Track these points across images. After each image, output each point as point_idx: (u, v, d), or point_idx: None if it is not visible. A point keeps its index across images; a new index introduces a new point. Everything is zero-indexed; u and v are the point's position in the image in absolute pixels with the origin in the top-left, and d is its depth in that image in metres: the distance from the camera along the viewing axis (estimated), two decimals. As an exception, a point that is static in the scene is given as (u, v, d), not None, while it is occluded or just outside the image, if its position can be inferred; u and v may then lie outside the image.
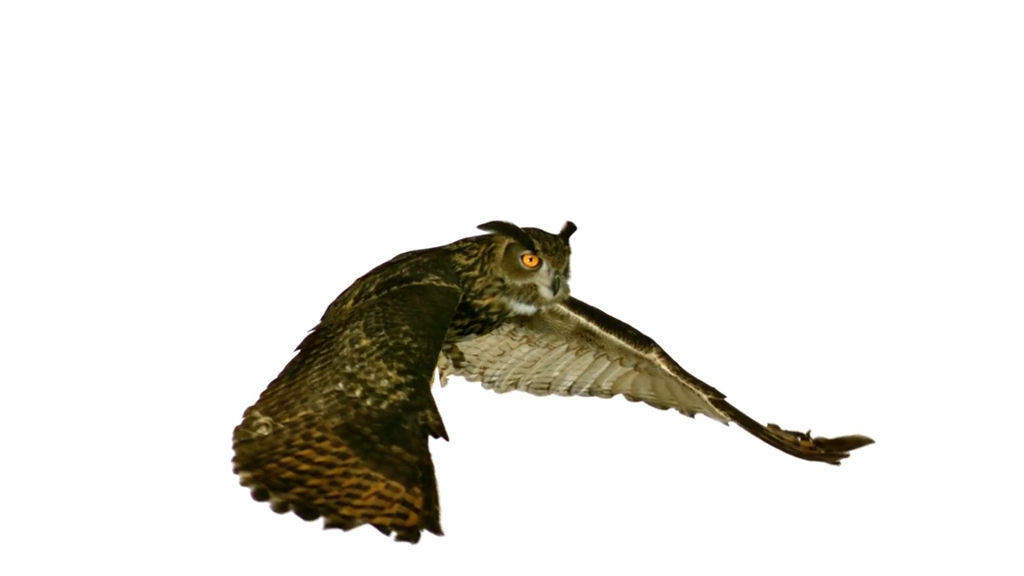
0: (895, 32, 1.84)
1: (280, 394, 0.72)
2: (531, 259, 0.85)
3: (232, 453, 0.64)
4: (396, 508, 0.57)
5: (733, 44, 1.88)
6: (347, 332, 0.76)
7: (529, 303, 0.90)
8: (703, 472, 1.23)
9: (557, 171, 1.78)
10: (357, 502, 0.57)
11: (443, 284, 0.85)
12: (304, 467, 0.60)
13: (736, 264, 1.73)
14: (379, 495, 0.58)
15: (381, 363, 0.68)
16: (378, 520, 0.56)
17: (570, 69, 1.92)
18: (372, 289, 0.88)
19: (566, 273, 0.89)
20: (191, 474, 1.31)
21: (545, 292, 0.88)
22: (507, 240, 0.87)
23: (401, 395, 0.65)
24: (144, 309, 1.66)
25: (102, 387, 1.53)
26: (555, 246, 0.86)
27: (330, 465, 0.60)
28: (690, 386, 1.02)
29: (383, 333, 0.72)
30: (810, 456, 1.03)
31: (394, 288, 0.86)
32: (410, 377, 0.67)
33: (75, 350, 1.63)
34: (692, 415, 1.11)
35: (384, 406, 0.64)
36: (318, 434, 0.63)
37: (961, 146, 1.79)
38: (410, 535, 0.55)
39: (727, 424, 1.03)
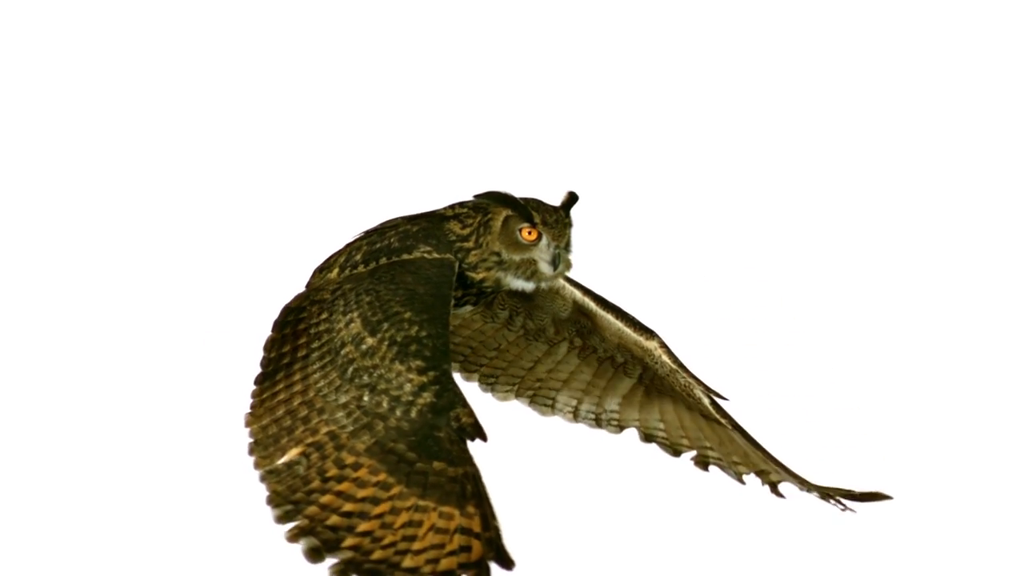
0: (892, 30, 1.86)
1: (283, 399, 0.66)
2: (530, 232, 0.80)
3: (260, 487, 0.57)
4: (456, 541, 0.52)
5: (739, 36, 1.89)
6: (343, 325, 0.69)
7: (528, 279, 0.84)
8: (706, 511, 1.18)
9: (557, 157, 1.76)
10: (416, 546, 0.52)
11: (435, 256, 0.79)
12: (348, 507, 0.54)
13: (734, 264, 1.72)
14: (435, 529, 0.52)
15: (397, 365, 0.62)
16: (444, 566, 0.51)
17: (574, 57, 1.91)
18: (359, 257, 0.82)
19: (567, 247, 0.83)
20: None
21: (545, 267, 0.83)
22: (504, 211, 0.81)
23: (427, 397, 0.59)
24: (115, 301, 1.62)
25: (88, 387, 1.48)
26: (555, 219, 0.81)
27: (375, 501, 0.54)
28: (690, 381, 0.98)
29: (387, 327, 0.66)
30: (820, 492, 0.97)
31: (383, 261, 0.80)
32: (432, 374, 0.61)
33: (60, 346, 1.58)
34: (705, 466, 1.03)
35: (413, 414, 0.58)
36: (351, 459, 0.57)
37: (959, 146, 1.81)
38: (480, 573, 0.51)
39: (742, 483, 0.98)
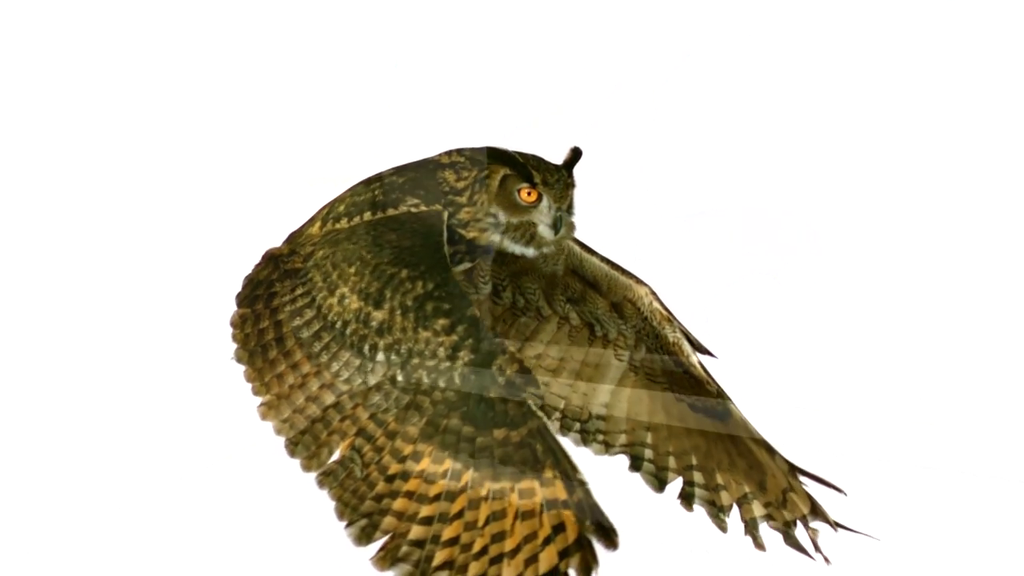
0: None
1: (294, 383, 0.59)
2: (529, 193, 0.74)
3: (323, 494, 0.52)
4: (547, 522, 0.46)
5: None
6: (335, 302, 0.62)
7: (526, 244, 0.78)
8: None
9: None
10: (509, 545, 0.46)
11: (423, 208, 0.73)
12: (425, 511, 0.48)
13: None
14: (521, 517, 0.47)
15: (422, 332, 0.56)
16: (544, 564, 0.45)
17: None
18: (342, 209, 0.75)
19: (569, 210, 0.77)
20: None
21: (545, 232, 0.77)
22: (503, 169, 0.75)
23: (464, 355, 0.53)
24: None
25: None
26: (557, 178, 0.75)
27: (450, 497, 0.48)
28: (679, 336, 0.94)
29: (390, 295, 0.59)
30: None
31: (366, 215, 0.73)
32: (460, 328, 0.54)
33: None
34: (690, 503, 0.95)
35: (457, 379, 0.52)
36: (408, 448, 0.51)
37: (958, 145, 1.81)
38: (585, 555, 0.45)
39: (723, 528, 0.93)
